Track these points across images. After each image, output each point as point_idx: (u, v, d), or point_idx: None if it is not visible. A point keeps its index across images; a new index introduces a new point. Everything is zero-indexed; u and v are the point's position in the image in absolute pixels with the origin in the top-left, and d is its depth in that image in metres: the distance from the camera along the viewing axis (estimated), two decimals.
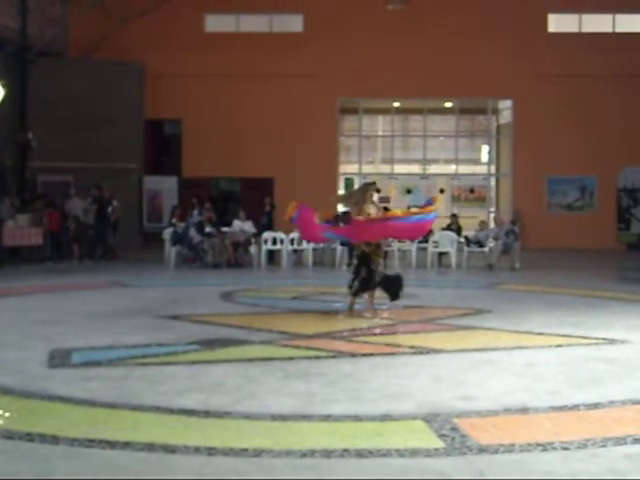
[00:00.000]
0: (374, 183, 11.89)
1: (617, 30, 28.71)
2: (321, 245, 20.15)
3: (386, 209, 11.84)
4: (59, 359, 7.78)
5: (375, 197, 11.36)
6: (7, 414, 5.92)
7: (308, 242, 18.66)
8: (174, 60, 27.37)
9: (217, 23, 29.00)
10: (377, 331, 9.93)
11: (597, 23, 28.72)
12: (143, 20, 27.42)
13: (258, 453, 4.90)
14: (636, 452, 4.99)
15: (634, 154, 27.73)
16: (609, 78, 27.52)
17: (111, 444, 5.05)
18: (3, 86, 21.67)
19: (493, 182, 31.22)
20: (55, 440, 5.12)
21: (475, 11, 27.86)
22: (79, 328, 9.73)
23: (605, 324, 10.31)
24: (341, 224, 13.34)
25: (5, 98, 22.01)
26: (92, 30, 27.01)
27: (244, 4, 28.21)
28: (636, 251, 19.99)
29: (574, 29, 28.77)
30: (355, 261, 11.21)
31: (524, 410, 5.98)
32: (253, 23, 29.04)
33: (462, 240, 20.17)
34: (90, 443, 5.05)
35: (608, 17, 28.68)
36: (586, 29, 28.72)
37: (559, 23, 28.89)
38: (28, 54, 25.55)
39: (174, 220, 20.57)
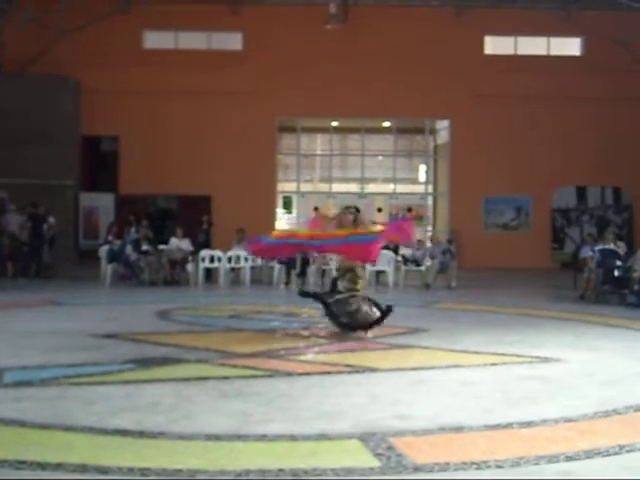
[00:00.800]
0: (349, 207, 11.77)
1: (551, 53, 29.25)
2: (259, 263, 20.14)
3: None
4: None
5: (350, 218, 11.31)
6: None
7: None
8: (111, 76, 27.13)
9: (155, 40, 28.85)
10: (314, 350, 9.92)
11: (532, 46, 29.22)
12: (80, 35, 27.18)
13: (192, 474, 4.86)
14: (568, 470, 5.05)
15: (567, 174, 28.20)
16: (543, 100, 27.99)
17: (42, 466, 4.96)
18: None
19: (430, 201, 31.46)
20: None
21: (413, 32, 28.13)
22: (11, 347, 9.55)
23: (539, 342, 10.44)
24: None
25: None
26: (28, 45, 26.66)
27: (183, 21, 28.12)
28: (570, 270, 20.25)
29: (510, 51, 29.21)
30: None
31: (459, 429, 6.02)
32: (192, 40, 28.94)
33: (399, 259, 20.29)
34: (20, 465, 4.96)
35: (543, 40, 29.19)
36: (521, 51, 29.20)
37: (495, 45, 29.32)
38: None
39: (110, 237, 20.38)
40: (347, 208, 11.58)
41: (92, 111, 27.25)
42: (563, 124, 28.28)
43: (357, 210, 11.48)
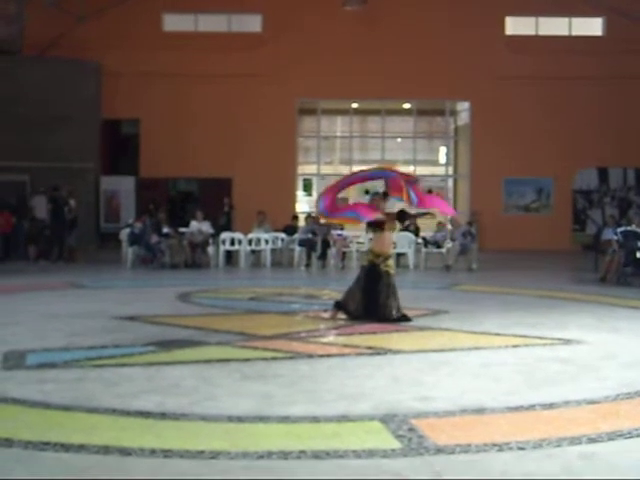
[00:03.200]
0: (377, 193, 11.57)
1: (573, 33, 29.00)
2: (279, 245, 20.20)
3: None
4: (13, 361, 7.68)
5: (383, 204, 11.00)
6: None
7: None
8: (132, 59, 27.15)
9: (175, 22, 28.82)
10: (335, 332, 9.93)
11: (554, 26, 28.98)
12: (100, 18, 27.24)
13: (215, 455, 4.88)
14: (590, 452, 5.03)
15: (589, 156, 28.02)
16: (564, 80, 27.76)
17: (66, 447, 4.99)
18: None
19: (451, 183, 31.40)
20: (9, 443, 5.06)
21: (433, 13, 27.97)
22: (34, 329, 9.61)
23: (561, 324, 10.40)
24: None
25: None
26: (48, 28, 26.72)
27: (202, 3, 28.08)
28: (591, 252, 20.16)
29: (531, 32, 29.00)
30: (360, 273, 10.95)
31: (481, 410, 6.01)
32: (211, 23, 28.89)
33: (420, 241, 20.23)
34: (44, 446, 4.99)
35: (564, 20, 28.95)
36: (543, 32, 28.97)
37: (516, 26, 29.10)
38: None
39: (131, 220, 20.44)
40: (375, 194, 11.41)
41: (113, 94, 27.29)
42: (585, 105, 28.06)
43: (385, 195, 11.25)
